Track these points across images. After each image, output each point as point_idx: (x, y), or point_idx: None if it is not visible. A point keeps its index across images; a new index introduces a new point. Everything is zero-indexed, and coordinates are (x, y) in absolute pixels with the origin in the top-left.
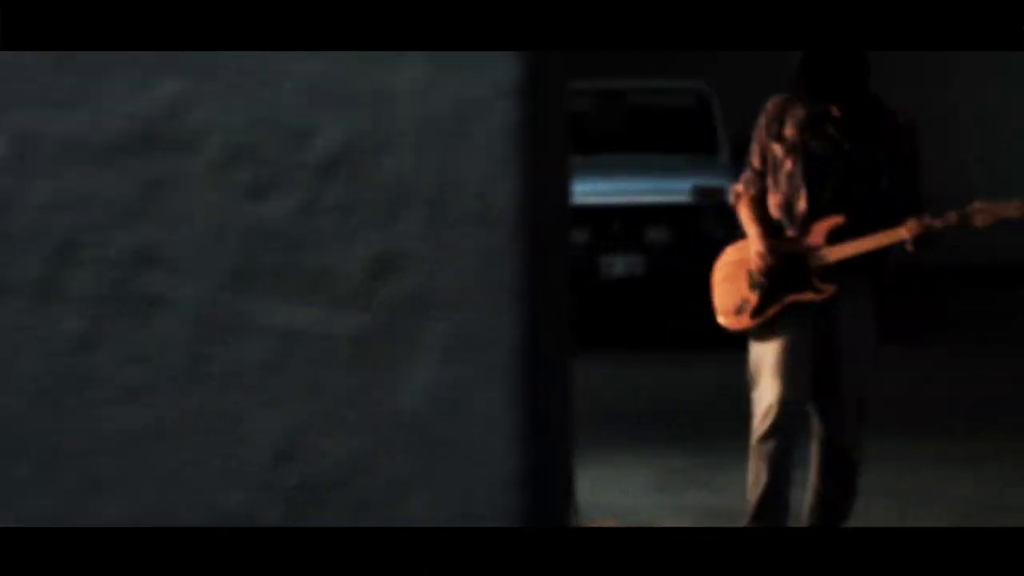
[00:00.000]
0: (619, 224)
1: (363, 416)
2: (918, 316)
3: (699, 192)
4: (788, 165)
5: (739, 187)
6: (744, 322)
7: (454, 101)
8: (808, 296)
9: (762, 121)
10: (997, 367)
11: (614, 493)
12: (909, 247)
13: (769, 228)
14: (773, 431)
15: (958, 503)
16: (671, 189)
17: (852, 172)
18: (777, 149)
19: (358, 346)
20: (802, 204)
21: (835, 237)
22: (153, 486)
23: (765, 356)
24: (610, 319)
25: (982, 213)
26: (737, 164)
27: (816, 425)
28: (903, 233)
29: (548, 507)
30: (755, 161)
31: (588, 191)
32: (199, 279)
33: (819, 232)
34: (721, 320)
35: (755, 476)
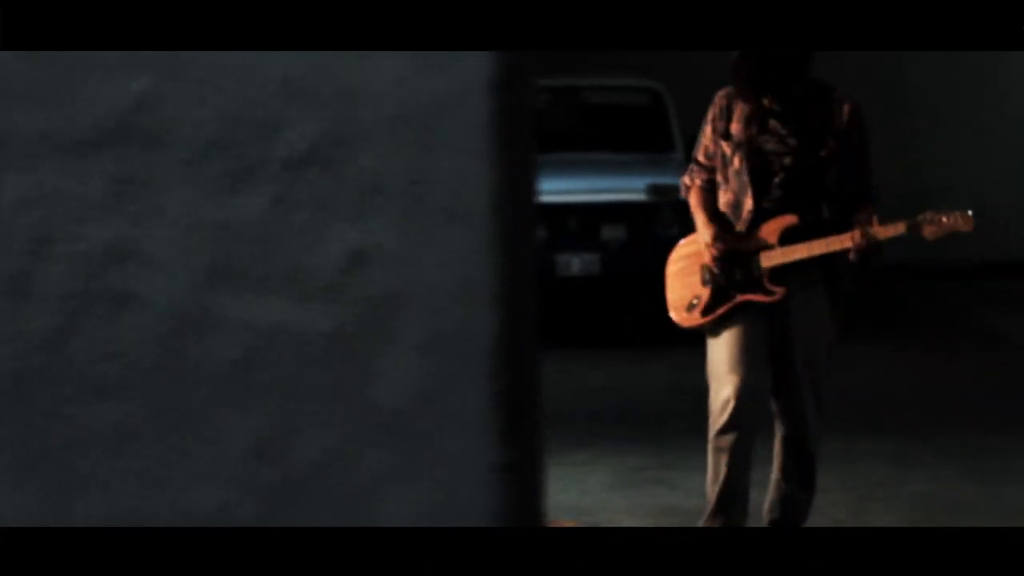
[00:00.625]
0: (575, 222)
1: (338, 412)
2: (879, 314)
3: (654, 190)
4: (736, 163)
5: (686, 179)
6: (695, 319)
7: (427, 96)
8: (758, 297)
9: (710, 115)
10: (955, 365)
11: (571, 493)
12: (851, 256)
13: (718, 218)
14: (731, 425)
15: (914, 502)
16: (626, 187)
17: (799, 168)
18: (726, 147)
19: (332, 342)
20: (749, 202)
21: (787, 235)
22: (127, 483)
23: (721, 351)
24: (566, 317)
25: (931, 226)
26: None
27: (777, 423)
28: (847, 242)
29: (524, 502)
30: (699, 155)
31: (544, 189)
32: (172, 275)
33: (772, 232)
34: (673, 316)
35: (714, 471)
